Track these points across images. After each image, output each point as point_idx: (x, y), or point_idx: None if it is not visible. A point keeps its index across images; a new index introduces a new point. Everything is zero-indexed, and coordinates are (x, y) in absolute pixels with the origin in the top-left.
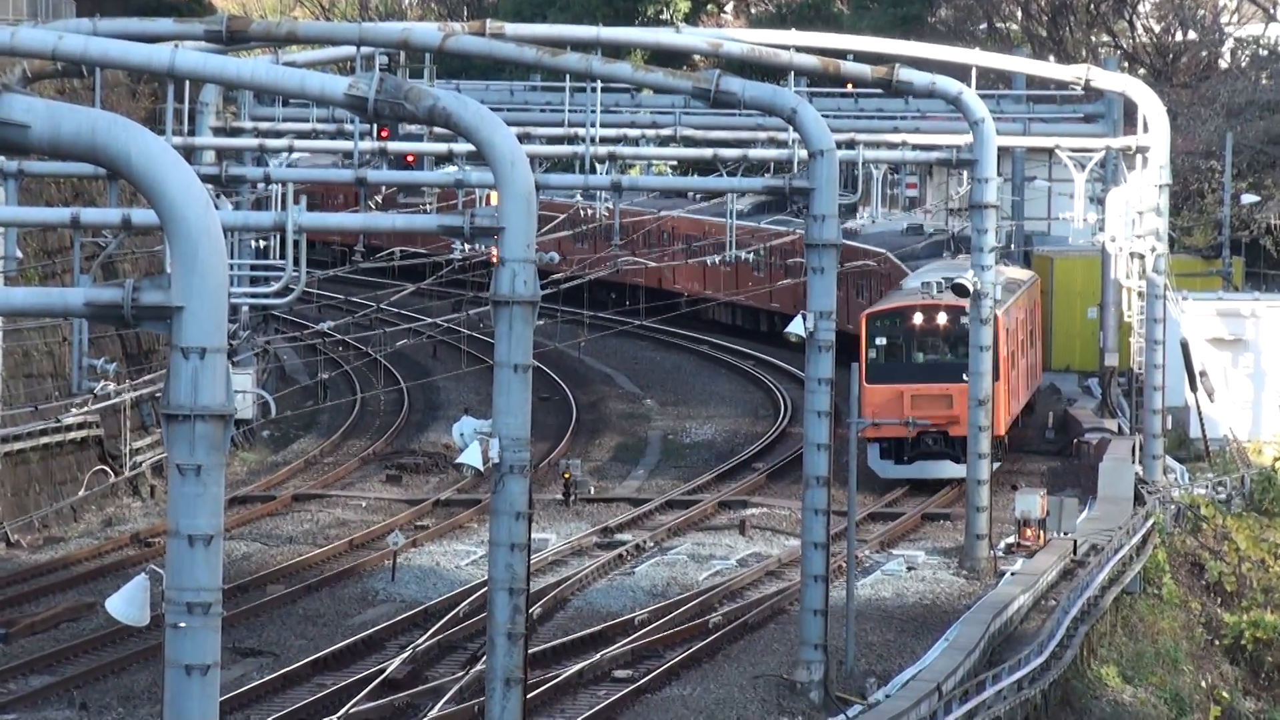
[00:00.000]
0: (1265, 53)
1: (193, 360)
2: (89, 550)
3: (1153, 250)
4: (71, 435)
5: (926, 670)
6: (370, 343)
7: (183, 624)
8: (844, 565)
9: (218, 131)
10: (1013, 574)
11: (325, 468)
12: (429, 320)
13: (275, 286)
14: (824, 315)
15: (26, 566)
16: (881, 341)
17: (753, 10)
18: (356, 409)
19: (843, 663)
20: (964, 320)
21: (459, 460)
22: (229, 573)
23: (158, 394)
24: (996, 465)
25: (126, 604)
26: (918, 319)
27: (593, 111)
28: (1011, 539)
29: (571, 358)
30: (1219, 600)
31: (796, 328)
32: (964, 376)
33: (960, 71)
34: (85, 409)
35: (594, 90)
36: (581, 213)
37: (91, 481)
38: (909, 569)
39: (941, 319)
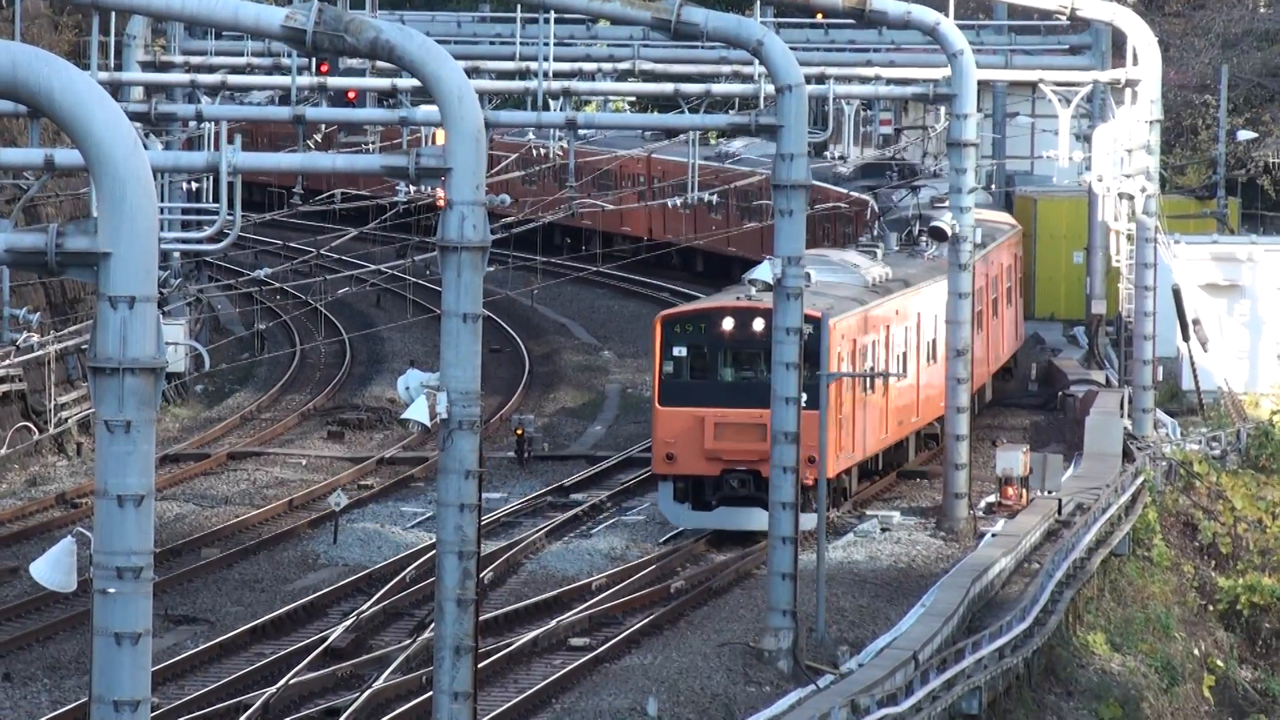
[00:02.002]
0: None
1: (121, 310)
2: (12, 511)
3: (1143, 190)
4: None
5: (902, 638)
6: (310, 291)
7: (112, 590)
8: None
9: (146, 66)
10: (994, 535)
11: (262, 424)
12: (372, 267)
13: (208, 231)
14: (793, 260)
15: None
16: (680, 353)
17: None
18: (295, 361)
19: (813, 630)
20: None
21: (404, 416)
22: (160, 535)
23: (84, 346)
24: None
25: (52, 569)
26: (728, 325)
27: (546, 44)
28: (992, 498)
29: (524, 307)
30: (1213, 563)
31: (763, 273)
32: None
33: (938, 1)
34: (7, 362)
35: (547, 21)
36: (534, 152)
37: (14, 439)
38: (883, 530)
39: (759, 325)
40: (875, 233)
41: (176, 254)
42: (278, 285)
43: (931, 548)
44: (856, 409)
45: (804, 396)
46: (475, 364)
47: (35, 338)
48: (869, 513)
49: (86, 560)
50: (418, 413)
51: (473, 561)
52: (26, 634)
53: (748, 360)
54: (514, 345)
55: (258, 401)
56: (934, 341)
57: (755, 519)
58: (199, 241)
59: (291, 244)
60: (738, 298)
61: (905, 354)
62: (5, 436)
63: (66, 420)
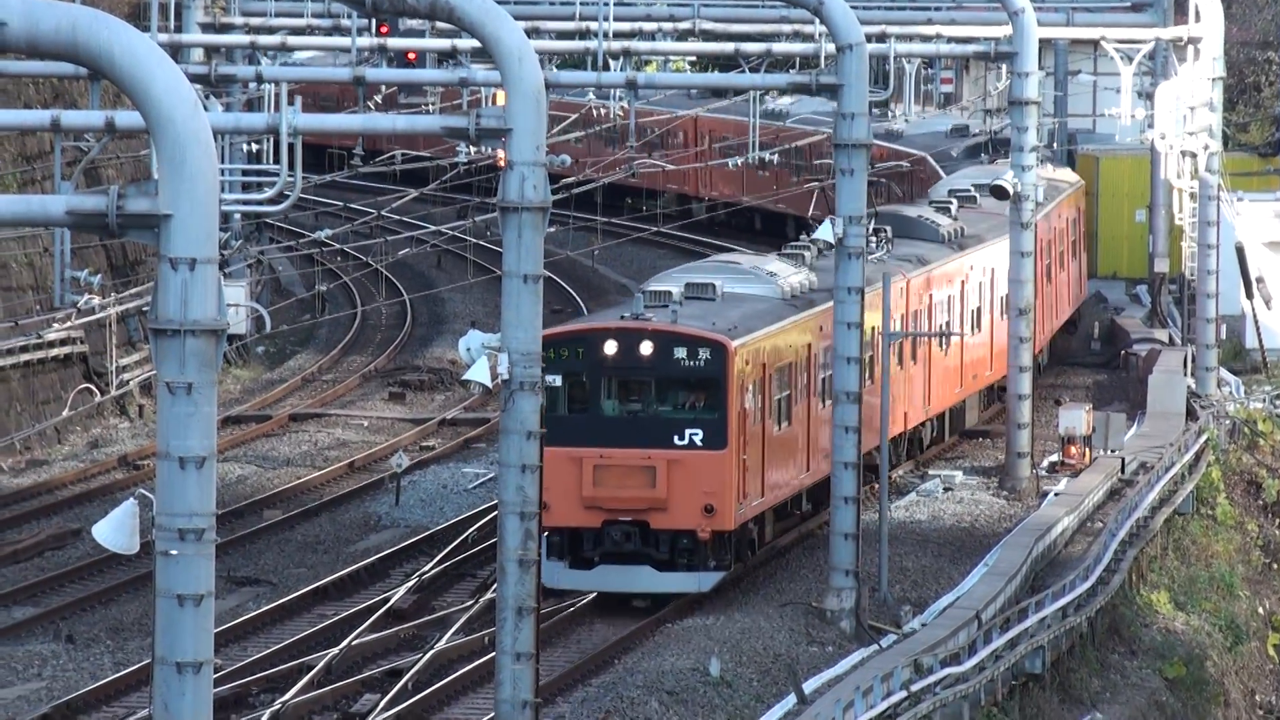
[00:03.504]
0: None
1: (182, 272)
2: (74, 473)
3: (1205, 148)
4: (54, 352)
5: (965, 597)
6: (370, 252)
7: (174, 551)
8: (876, 486)
9: (206, 28)
10: (1056, 494)
11: (324, 385)
12: (433, 228)
13: (269, 193)
14: (854, 220)
15: (7, 491)
16: (554, 381)
17: None
18: (356, 323)
19: (875, 589)
20: (680, 353)
21: (466, 377)
22: (223, 497)
23: (145, 308)
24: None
25: (114, 530)
26: (611, 349)
27: (605, 4)
28: (1055, 457)
29: (585, 267)
30: (1277, 521)
31: (825, 233)
32: (678, 438)
33: None
34: (68, 324)
35: None
36: (594, 112)
37: (76, 401)
38: (946, 490)
39: (647, 349)
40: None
41: (237, 216)
42: (338, 247)
43: (994, 507)
44: (767, 451)
45: (700, 432)
46: (536, 325)
47: (96, 300)
48: (931, 472)
49: (148, 522)
50: (479, 374)
51: (534, 522)
52: (89, 596)
53: (635, 390)
54: (575, 306)
55: (319, 363)
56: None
57: (642, 579)
58: (260, 203)
59: (352, 205)
60: (622, 316)
61: (830, 378)
62: (67, 399)
63: (128, 382)
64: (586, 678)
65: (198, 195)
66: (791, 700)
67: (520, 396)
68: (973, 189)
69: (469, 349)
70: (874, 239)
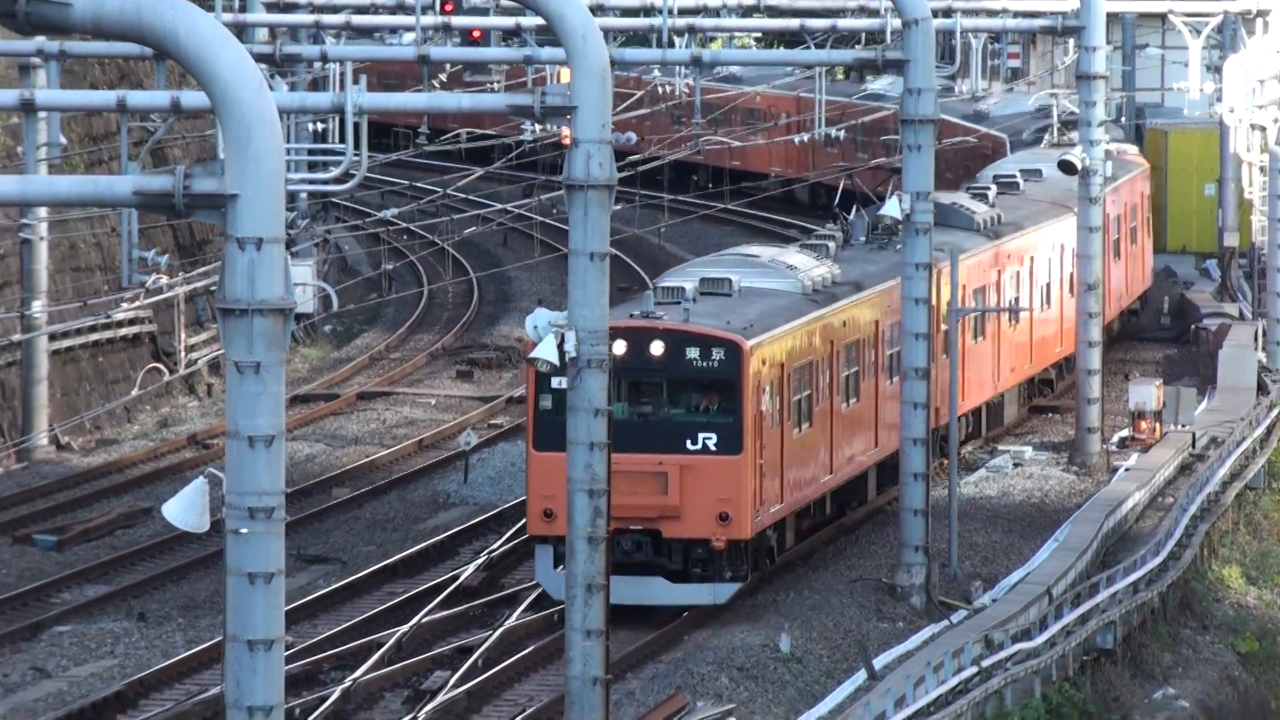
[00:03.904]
0: None
1: (249, 251)
2: (144, 453)
3: (1275, 121)
4: (122, 332)
5: (1035, 573)
6: (437, 231)
7: (244, 530)
8: (946, 462)
9: (270, 7)
10: (1127, 469)
11: (391, 364)
12: (499, 206)
13: (335, 172)
14: (921, 195)
15: (78, 470)
16: (560, 384)
17: None
18: (423, 301)
19: (946, 565)
20: (693, 353)
21: (533, 355)
22: (292, 475)
23: (213, 287)
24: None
25: (185, 509)
26: (620, 349)
27: None
28: (1125, 432)
29: (651, 244)
30: None
31: (892, 209)
32: (690, 443)
33: None
34: (136, 304)
35: None
36: (660, 90)
37: (145, 380)
38: (1016, 465)
39: (658, 349)
40: (846, 221)
41: (303, 195)
42: (404, 225)
43: (1064, 482)
44: (787, 454)
45: (714, 437)
46: (603, 302)
47: (164, 280)
48: (1001, 448)
49: (218, 501)
50: (546, 352)
51: (603, 499)
52: (160, 574)
53: (645, 392)
54: (641, 283)
55: (386, 342)
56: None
57: (654, 590)
58: (325, 182)
59: (418, 184)
60: (632, 315)
61: (853, 376)
62: (136, 378)
63: (196, 361)
64: (657, 654)
65: (264, 175)
66: (862, 676)
67: (588, 374)
68: (1018, 174)
69: (536, 327)
70: (903, 228)
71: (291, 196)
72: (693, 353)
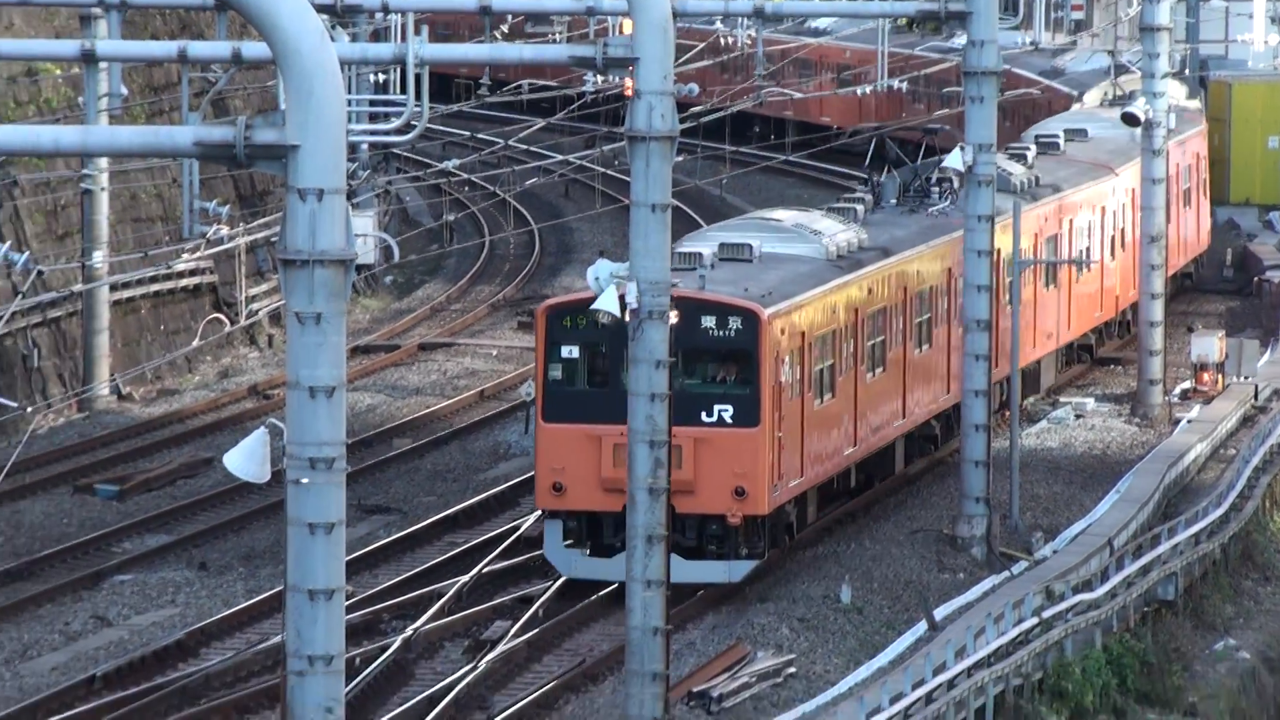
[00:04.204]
0: None
1: (310, 202)
2: (205, 403)
3: None
4: (183, 282)
5: (1096, 524)
6: (498, 182)
7: (305, 480)
8: (1007, 414)
9: None
10: (1189, 421)
11: (452, 315)
12: (560, 158)
13: (396, 123)
14: (984, 148)
15: (140, 420)
16: (571, 353)
17: None
18: (485, 252)
19: (1007, 517)
20: (709, 320)
21: (594, 306)
22: (352, 426)
23: (274, 238)
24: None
25: (246, 459)
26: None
27: None
28: (1187, 384)
29: (713, 196)
30: None
31: (954, 161)
32: (705, 415)
33: None
34: (197, 255)
35: None
36: (722, 41)
37: (206, 331)
38: (1077, 417)
39: (671, 318)
40: (876, 182)
41: (364, 146)
42: (466, 176)
43: (1126, 434)
44: (807, 427)
45: (730, 409)
46: (664, 254)
47: (225, 231)
48: (1062, 400)
49: (279, 451)
50: (607, 303)
51: (664, 450)
52: (221, 524)
53: None
54: None
55: (447, 293)
56: (928, 323)
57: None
58: (386, 133)
59: (479, 135)
60: None
61: (879, 345)
62: (197, 329)
63: (257, 312)
64: (717, 604)
65: (325, 126)
66: (923, 627)
67: (649, 325)
68: (1060, 134)
69: (597, 278)
70: (937, 190)
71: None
72: (709, 321)
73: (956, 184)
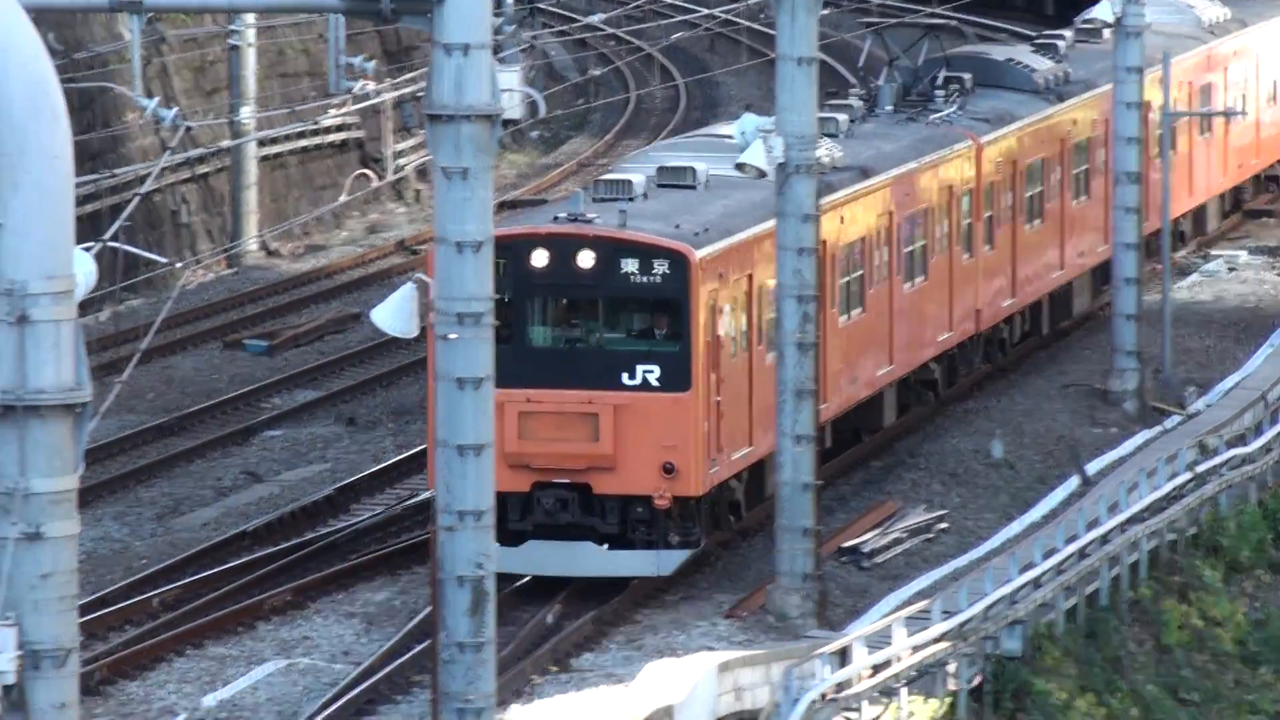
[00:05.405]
0: None
1: (456, 57)
2: (352, 258)
3: None
4: (330, 138)
5: (1250, 378)
6: (643, 36)
7: (453, 335)
8: (1159, 267)
9: None
10: None
11: (598, 170)
12: (705, 11)
13: None
14: None
15: (287, 276)
16: None
17: None
18: (630, 107)
19: (1159, 371)
20: (630, 265)
21: (740, 160)
22: None
23: (420, 94)
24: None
25: (393, 315)
26: (540, 260)
27: None
28: None
29: (858, 50)
30: None
31: (1103, 12)
32: (628, 377)
33: None
34: (344, 110)
35: None
36: None
37: (353, 186)
38: (1230, 270)
39: (587, 262)
40: (871, 87)
41: (510, 0)
42: (611, 31)
43: (1279, 286)
44: (756, 389)
45: (656, 370)
46: (811, 108)
47: (371, 86)
48: (1214, 252)
49: (426, 306)
50: (754, 157)
51: (812, 305)
52: (369, 379)
53: (572, 315)
54: (848, 88)
55: (593, 148)
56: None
57: (583, 559)
58: None
59: None
60: (555, 218)
61: (856, 282)
62: (344, 184)
63: (404, 167)
64: (867, 459)
65: None
66: (1075, 481)
67: (796, 179)
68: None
69: (743, 132)
70: (943, 91)
71: (499, 2)
72: (630, 265)
73: (969, 83)
